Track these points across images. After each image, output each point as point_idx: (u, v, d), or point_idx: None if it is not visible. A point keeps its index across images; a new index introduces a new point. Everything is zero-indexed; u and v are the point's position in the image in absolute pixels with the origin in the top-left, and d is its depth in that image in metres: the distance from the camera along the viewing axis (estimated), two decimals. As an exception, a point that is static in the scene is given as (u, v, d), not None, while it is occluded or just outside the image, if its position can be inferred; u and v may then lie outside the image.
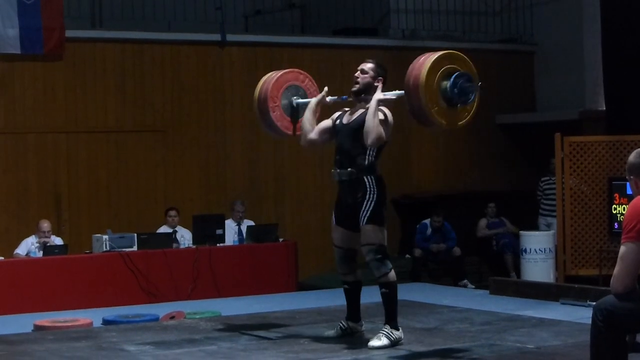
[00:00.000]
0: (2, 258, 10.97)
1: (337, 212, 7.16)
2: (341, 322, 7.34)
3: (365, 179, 6.93)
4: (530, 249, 11.66)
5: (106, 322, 8.97)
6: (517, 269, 12.50)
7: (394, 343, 6.86)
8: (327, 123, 7.29)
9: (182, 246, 11.47)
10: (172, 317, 8.88)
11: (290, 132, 7.65)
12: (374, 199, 6.90)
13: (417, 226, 13.05)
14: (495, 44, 15.29)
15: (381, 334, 6.88)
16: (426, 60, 6.60)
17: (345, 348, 6.87)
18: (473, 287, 12.31)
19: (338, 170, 7.04)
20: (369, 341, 6.89)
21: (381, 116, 6.87)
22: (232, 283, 11.25)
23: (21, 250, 11.11)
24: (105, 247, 10.94)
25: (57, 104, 12.43)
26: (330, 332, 7.33)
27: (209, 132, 13.24)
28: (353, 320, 7.33)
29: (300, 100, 7.59)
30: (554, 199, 12.15)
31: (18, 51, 12.03)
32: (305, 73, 7.82)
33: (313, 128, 7.26)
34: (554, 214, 12.06)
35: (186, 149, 13.11)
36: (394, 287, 6.94)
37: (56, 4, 12.16)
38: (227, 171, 13.33)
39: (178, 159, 13.05)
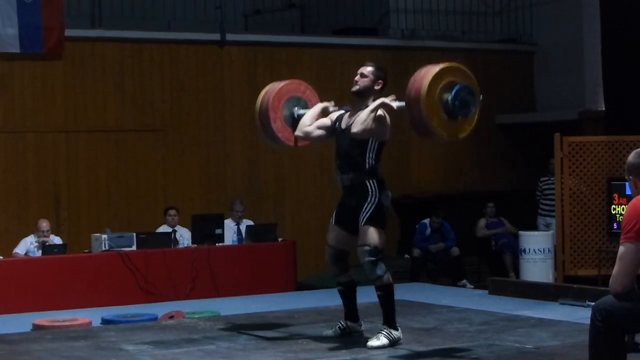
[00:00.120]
0: (2, 257, 10.97)
1: (338, 213, 7.18)
2: (340, 322, 7.35)
3: (368, 183, 6.94)
4: (529, 249, 11.65)
5: (105, 321, 8.97)
6: (516, 269, 12.49)
7: (393, 343, 6.86)
8: (326, 121, 7.29)
9: (181, 246, 11.47)
10: (171, 317, 8.88)
11: (291, 143, 7.63)
12: (376, 202, 6.91)
13: (417, 226, 13.04)
14: (494, 44, 15.28)
15: (380, 334, 6.88)
16: (428, 73, 6.60)
17: (344, 348, 6.87)
18: (472, 287, 12.29)
19: (341, 175, 7.05)
20: (367, 341, 6.89)
21: (380, 112, 6.88)
22: (231, 283, 11.25)
23: (20, 249, 11.10)
24: (104, 247, 10.94)
25: (57, 103, 12.42)
26: (329, 332, 7.33)
27: (208, 131, 13.23)
28: (352, 320, 7.34)
29: (302, 111, 7.58)
30: (553, 199, 12.14)
31: (17, 50, 12.02)
32: (306, 84, 7.80)
33: (312, 123, 7.28)
34: (553, 214, 12.06)
35: (186, 149, 13.11)
36: (390, 290, 6.94)
37: (56, 3, 12.15)
38: (226, 171, 13.33)
39: (178, 159, 13.05)
